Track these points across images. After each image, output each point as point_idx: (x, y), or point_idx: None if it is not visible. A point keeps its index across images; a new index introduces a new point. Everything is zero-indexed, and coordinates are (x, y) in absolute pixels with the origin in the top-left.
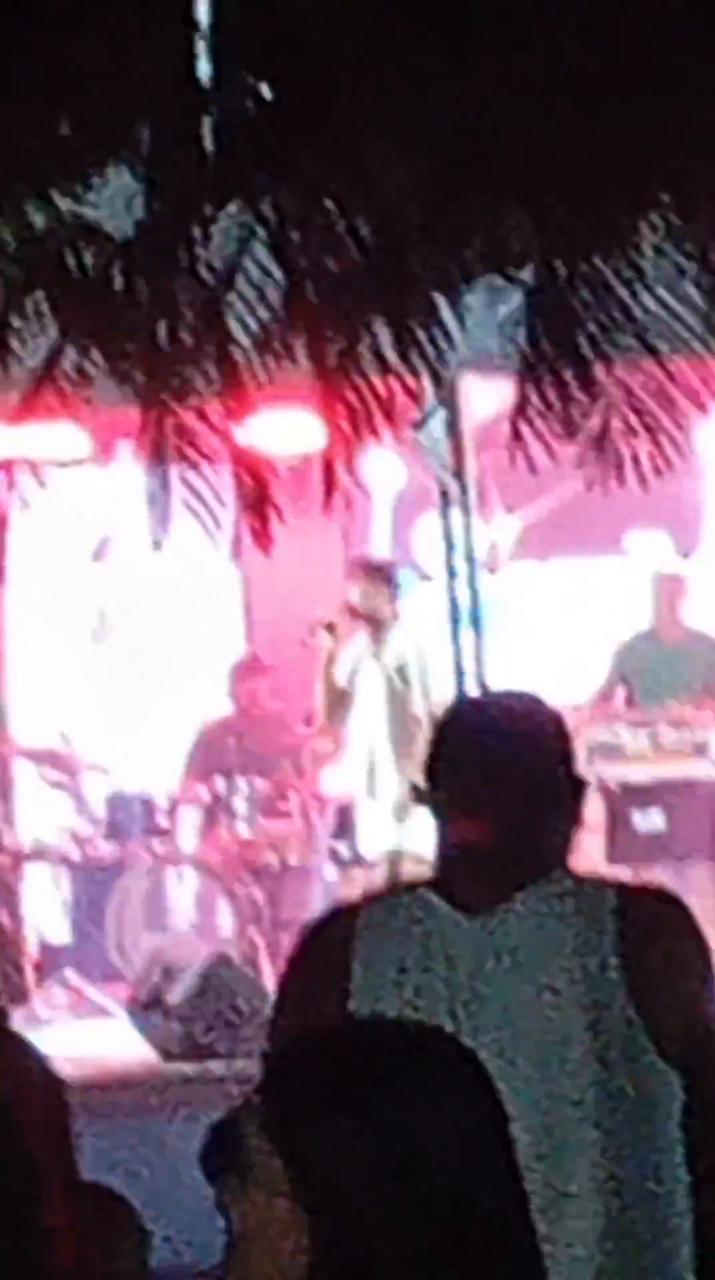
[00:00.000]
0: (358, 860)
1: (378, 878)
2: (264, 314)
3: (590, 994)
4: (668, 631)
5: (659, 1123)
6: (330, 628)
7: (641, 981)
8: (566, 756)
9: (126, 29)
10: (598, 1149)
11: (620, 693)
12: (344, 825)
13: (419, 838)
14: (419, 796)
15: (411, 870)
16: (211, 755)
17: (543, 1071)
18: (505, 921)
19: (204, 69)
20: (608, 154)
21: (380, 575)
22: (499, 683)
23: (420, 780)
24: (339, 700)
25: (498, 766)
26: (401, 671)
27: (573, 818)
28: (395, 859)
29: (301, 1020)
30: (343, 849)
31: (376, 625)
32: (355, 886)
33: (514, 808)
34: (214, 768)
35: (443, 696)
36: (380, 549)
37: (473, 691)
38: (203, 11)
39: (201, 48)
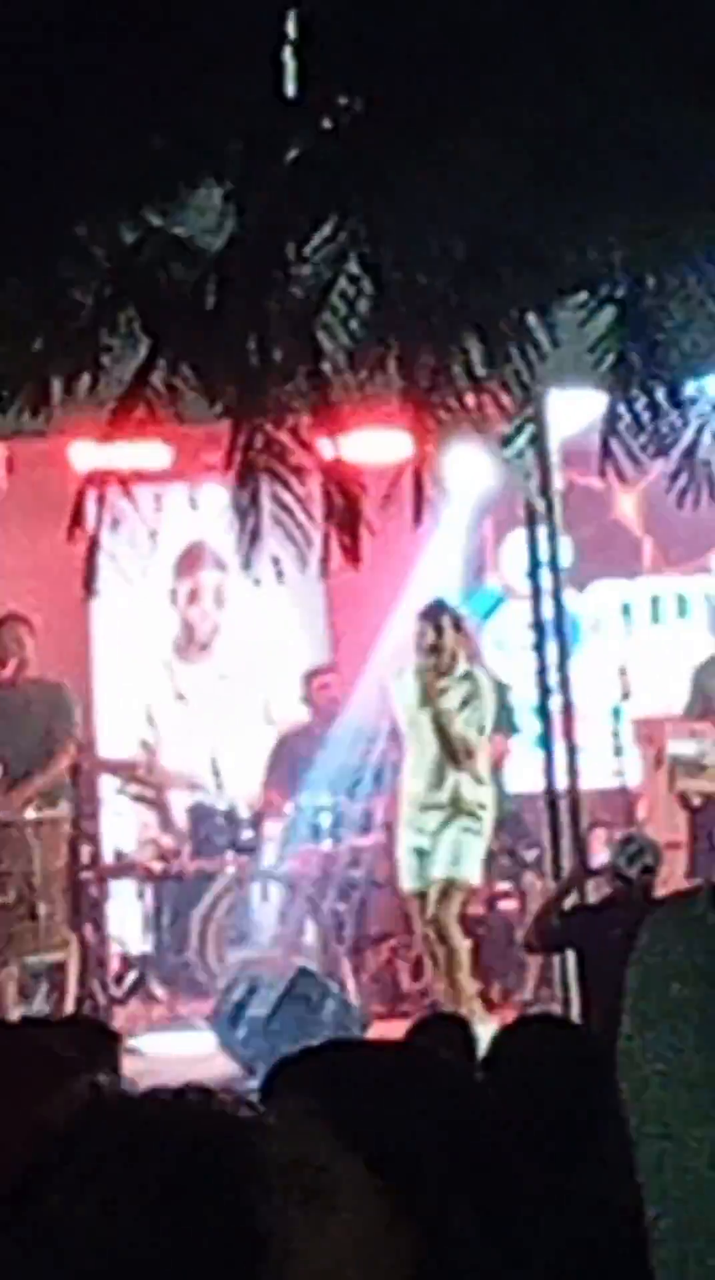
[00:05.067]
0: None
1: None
2: (356, 329)
3: None
4: None
5: None
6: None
7: None
8: None
9: (215, 45)
10: None
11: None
12: None
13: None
14: None
15: None
16: (292, 765)
17: None
18: None
19: (292, 84)
20: (699, 170)
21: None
22: (584, 697)
23: None
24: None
25: None
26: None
27: None
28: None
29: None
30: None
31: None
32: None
33: None
34: (295, 778)
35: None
36: (463, 563)
37: (557, 706)
38: (291, 27)
39: (290, 63)
